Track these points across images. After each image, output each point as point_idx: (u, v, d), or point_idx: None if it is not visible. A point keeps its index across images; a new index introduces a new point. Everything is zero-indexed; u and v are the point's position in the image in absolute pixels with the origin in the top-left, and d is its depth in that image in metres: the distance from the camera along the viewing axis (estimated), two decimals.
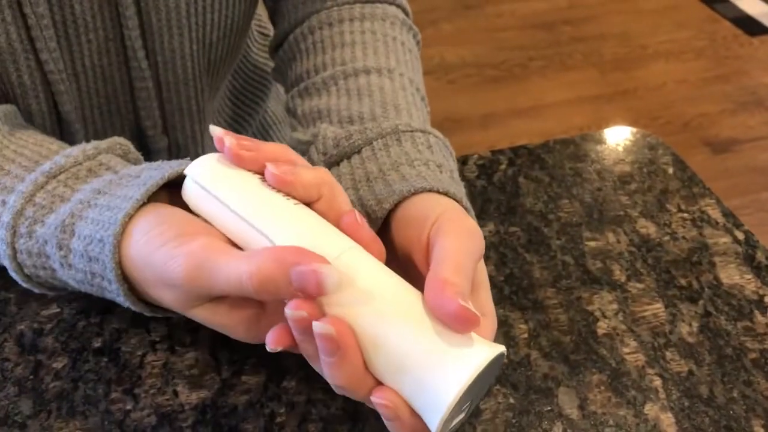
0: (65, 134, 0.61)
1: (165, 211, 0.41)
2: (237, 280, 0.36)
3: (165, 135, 0.66)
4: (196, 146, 0.70)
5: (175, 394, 0.47)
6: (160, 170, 0.43)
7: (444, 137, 0.50)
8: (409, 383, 0.35)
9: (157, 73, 0.61)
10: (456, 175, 0.48)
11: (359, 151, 0.48)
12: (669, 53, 2.36)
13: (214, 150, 0.73)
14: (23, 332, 0.50)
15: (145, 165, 0.45)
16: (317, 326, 0.35)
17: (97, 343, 0.50)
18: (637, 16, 2.54)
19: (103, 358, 0.49)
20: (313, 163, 0.49)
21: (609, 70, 2.29)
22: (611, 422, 0.46)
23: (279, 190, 0.40)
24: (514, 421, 0.46)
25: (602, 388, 0.48)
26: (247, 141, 0.41)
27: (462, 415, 0.37)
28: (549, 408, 0.47)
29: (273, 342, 0.37)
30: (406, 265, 0.42)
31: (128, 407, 0.46)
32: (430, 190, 0.43)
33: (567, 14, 2.55)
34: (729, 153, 2.00)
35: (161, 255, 0.38)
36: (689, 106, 2.16)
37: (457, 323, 0.35)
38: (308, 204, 0.41)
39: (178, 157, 0.70)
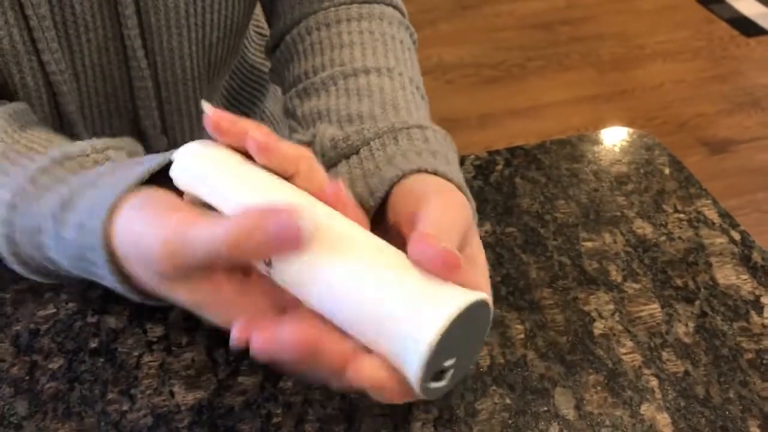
0: (68, 135, 0.61)
1: (153, 193, 0.41)
2: (211, 239, 0.36)
3: (164, 135, 0.66)
4: None
5: (172, 394, 0.47)
6: (163, 155, 0.43)
7: (443, 130, 0.50)
8: (388, 333, 0.35)
9: (156, 73, 0.61)
10: (453, 159, 0.48)
11: (357, 152, 0.48)
12: (666, 53, 2.37)
13: None
14: (19, 333, 0.50)
15: (150, 155, 0.45)
16: (281, 335, 0.35)
17: (93, 344, 0.49)
18: (634, 17, 2.54)
19: (99, 359, 0.49)
20: None
21: (607, 70, 2.30)
22: (607, 422, 0.46)
23: (261, 167, 0.40)
24: (510, 421, 0.46)
25: (598, 388, 0.48)
26: (227, 115, 0.41)
27: (445, 382, 0.36)
28: (545, 408, 0.47)
29: (236, 339, 0.37)
30: (397, 244, 0.42)
31: (124, 408, 0.46)
32: (418, 171, 0.44)
33: (565, 14, 2.56)
34: (726, 153, 2.00)
35: (138, 230, 0.39)
36: (686, 106, 2.16)
37: (439, 265, 0.35)
38: (287, 179, 0.40)
39: None
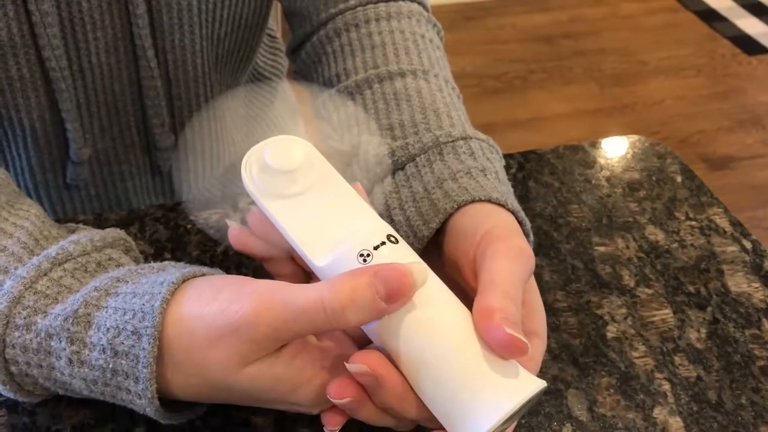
0: (60, 130, 0.61)
1: (210, 277, 0.38)
2: (317, 298, 0.33)
3: (172, 132, 0.66)
4: (203, 142, 0.70)
5: None
6: (189, 266, 0.40)
7: (486, 136, 0.50)
8: (449, 402, 0.35)
9: (167, 71, 0.61)
10: (501, 174, 0.47)
11: (403, 168, 0.47)
12: (668, 70, 2.38)
13: (224, 148, 0.73)
14: None
15: (166, 263, 0.42)
16: (351, 368, 0.35)
17: None
18: (637, 33, 2.55)
19: None
20: (354, 177, 0.48)
21: (608, 85, 2.31)
22: (620, 425, 0.46)
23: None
24: (523, 421, 0.46)
25: (611, 391, 0.48)
26: None
27: None
28: (558, 410, 0.47)
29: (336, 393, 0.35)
30: (454, 276, 0.42)
31: None
32: (472, 201, 0.43)
33: (567, 28, 2.57)
34: (725, 170, 2.01)
35: (219, 303, 0.35)
36: (687, 122, 2.17)
37: (505, 350, 0.35)
38: None
39: (185, 154, 0.70)
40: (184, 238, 0.56)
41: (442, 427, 0.36)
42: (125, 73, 0.60)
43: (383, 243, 0.37)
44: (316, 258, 0.38)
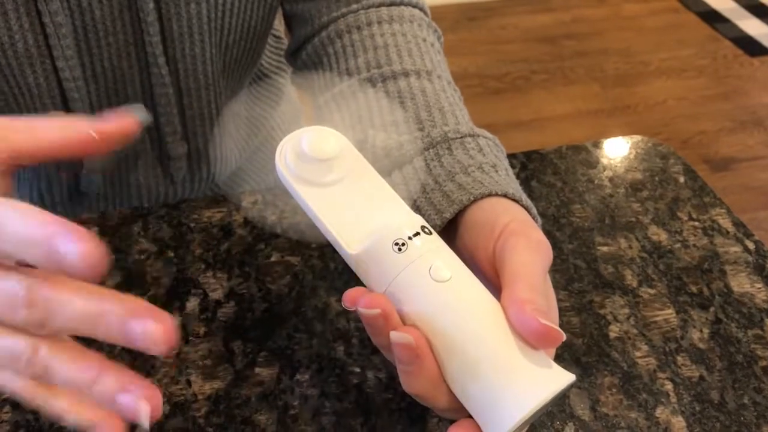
0: None
1: None
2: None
3: (185, 141, 0.66)
4: (215, 150, 0.70)
5: (189, 383, 0.47)
6: None
7: (492, 136, 0.50)
8: (481, 392, 0.35)
9: (178, 80, 0.61)
10: (510, 172, 0.47)
11: (411, 161, 0.47)
12: (670, 71, 2.38)
13: (231, 153, 0.73)
14: None
15: None
16: (395, 336, 0.34)
17: None
18: (639, 33, 2.55)
19: (116, 346, 0.49)
20: None
21: (610, 86, 2.31)
22: (623, 424, 0.46)
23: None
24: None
25: (614, 390, 0.48)
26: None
27: None
28: (561, 409, 0.47)
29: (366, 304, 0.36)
30: (468, 267, 0.42)
31: None
32: (489, 195, 0.43)
33: (570, 29, 2.57)
34: (727, 171, 2.01)
35: None
36: (689, 123, 2.17)
37: (540, 340, 0.35)
38: None
39: (198, 163, 0.70)
40: (186, 236, 0.57)
41: (470, 417, 0.36)
42: (137, 79, 0.60)
43: (417, 233, 0.37)
44: (349, 246, 0.38)
